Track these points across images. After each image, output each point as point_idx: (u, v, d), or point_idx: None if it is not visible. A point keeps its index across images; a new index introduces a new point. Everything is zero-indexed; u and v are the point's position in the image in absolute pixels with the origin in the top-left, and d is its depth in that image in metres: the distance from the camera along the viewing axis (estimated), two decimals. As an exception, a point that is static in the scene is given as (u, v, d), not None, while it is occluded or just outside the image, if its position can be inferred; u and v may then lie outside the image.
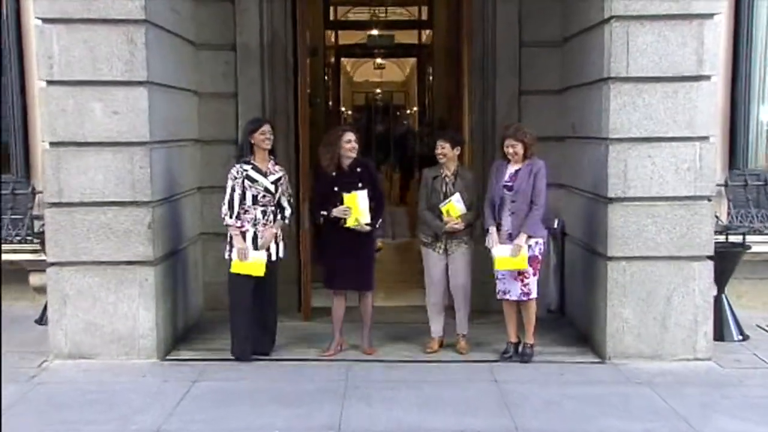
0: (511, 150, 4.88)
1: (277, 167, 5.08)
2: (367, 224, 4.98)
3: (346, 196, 4.94)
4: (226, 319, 5.63)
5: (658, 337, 4.97)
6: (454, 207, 5.06)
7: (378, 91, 25.28)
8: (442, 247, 5.15)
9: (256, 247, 4.94)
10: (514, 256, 4.80)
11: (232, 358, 5.04)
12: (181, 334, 5.52)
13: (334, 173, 4.99)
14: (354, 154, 4.99)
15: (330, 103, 12.97)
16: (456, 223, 5.05)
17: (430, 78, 12.87)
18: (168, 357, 5.13)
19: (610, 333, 4.98)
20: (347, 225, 4.96)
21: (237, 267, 4.93)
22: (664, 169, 4.91)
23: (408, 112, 23.15)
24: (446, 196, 5.11)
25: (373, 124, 18.28)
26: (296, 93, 6.15)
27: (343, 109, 19.84)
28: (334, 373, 4.79)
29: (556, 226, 5.92)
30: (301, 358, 5.10)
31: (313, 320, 6.01)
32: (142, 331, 5.00)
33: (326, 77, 12.39)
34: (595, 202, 5.23)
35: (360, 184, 4.98)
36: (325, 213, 4.98)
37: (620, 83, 4.86)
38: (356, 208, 4.95)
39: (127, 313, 4.99)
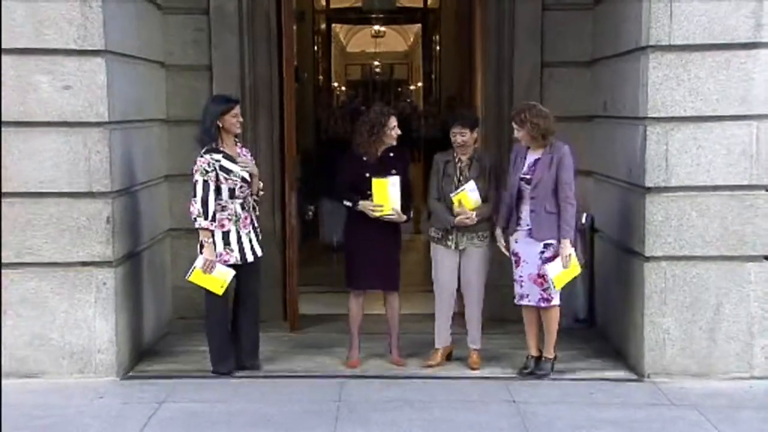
0: (515, 134, 4.88)
1: (244, 150, 5.08)
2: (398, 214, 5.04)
3: (375, 180, 4.98)
4: (199, 328, 5.57)
5: (705, 351, 4.93)
6: (468, 197, 5.00)
7: (376, 63, 25.27)
8: (454, 242, 5.09)
9: (241, 247, 4.89)
10: (567, 267, 4.80)
11: (206, 374, 5.02)
12: (145, 347, 5.49)
13: (365, 158, 5.05)
14: (395, 142, 5.09)
15: (320, 77, 12.92)
16: (467, 217, 4.99)
17: (437, 48, 12.84)
18: (130, 374, 5.09)
19: (648, 346, 4.94)
20: (379, 215, 5.00)
21: (196, 277, 4.90)
22: (713, 154, 4.85)
23: (411, 87, 23.13)
24: (460, 184, 5.06)
25: (370, 102, 18.17)
26: (280, 65, 6.09)
27: (335, 84, 19.81)
28: (325, 392, 4.75)
29: (584, 221, 5.85)
30: (286, 374, 5.07)
31: (300, 330, 5.97)
32: (99, 344, 4.94)
33: (315, 47, 12.33)
34: (630, 193, 5.17)
35: (393, 171, 5.05)
36: (350, 204, 5.04)
37: (661, 53, 4.80)
38: (386, 195, 4.98)
39: (82, 323, 4.93)
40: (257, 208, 5.08)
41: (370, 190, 5.02)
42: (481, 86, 6.27)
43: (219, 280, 4.88)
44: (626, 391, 4.82)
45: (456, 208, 5.02)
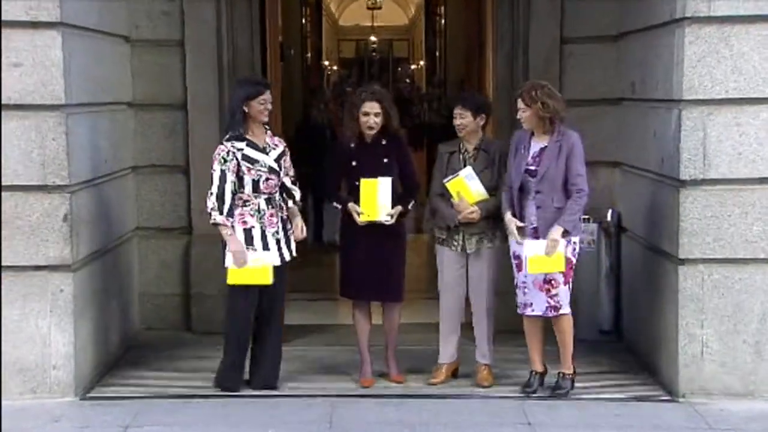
0: (519, 115, 4.85)
1: (276, 140, 5.08)
2: (388, 214, 5.02)
3: (363, 181, 4.96)
4: (169, 341, 5.59)
5: (750, 367, 4.90)
6: (466, 186, 4.97)
7: (372, 39, 25.28)
8: (460, 243, 5.07)
9: (266, 248, 4.88)
10: (549, 254, 4.72)
11: (179, 394, 4.99)
12: (109, 363, 5.46)
13: (352, 144, 5.08)
14: (372, 132, 5.07)
15: (308, 54, 12.89)
16: (472, 212, 4.94)
17: (443, 21, 12.80)
18: (91, 394, 5.06)
19: (683, 362, 4.92)
20: (360, 220, 4.99)
21: (235, 276, 4.85)
22: (758, 142, 4.82)
23: (412, 67, 23.17)
24: None
25: (365, 82, 18.17)
26: (263, 41, 6.13)
27: (326, 63, 19.83)
28: (315, 413, 4.73)
29: (609, 218, 5.88)
30: (271, 393, 5.04)
31: (287, 343, 5.88)
32: (56, 359, 4.90)
33: (303, 20, 12.30)
34: (662, 187, 5.15)
35: (386, 160, 5.03)
36: (338, 206, 5.09)
37: (699, 25, 4.77)
38: (374, 199, 4.96)
39: (35, 335, 4.88)
40: (285, 207, 5.02)
41: (359, 180, 5.00)
42: (492, 65, 6.27)
43: (260, 269, 4.81)
44: (658, 412, 4.79)
45: (455, 200, 4.98)
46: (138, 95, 6.00)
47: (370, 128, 5.02)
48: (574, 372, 4.98)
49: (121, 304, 5.70)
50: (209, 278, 5.88)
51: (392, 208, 4.99)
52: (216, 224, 4.83)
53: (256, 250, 4.86)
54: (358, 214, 4.98)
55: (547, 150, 4.79)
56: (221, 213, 4.81)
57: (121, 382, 5.23)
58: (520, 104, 4.81)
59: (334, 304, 6.57)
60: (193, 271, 6.06)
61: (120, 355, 5.64)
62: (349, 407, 4.82)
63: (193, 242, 6.08)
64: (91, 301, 5.16)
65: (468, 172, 4.97)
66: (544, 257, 4.72)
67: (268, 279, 4.83)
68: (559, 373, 4.98)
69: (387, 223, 4.99)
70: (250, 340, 5.00)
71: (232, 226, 4.84)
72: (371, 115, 5.01)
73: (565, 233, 4.74)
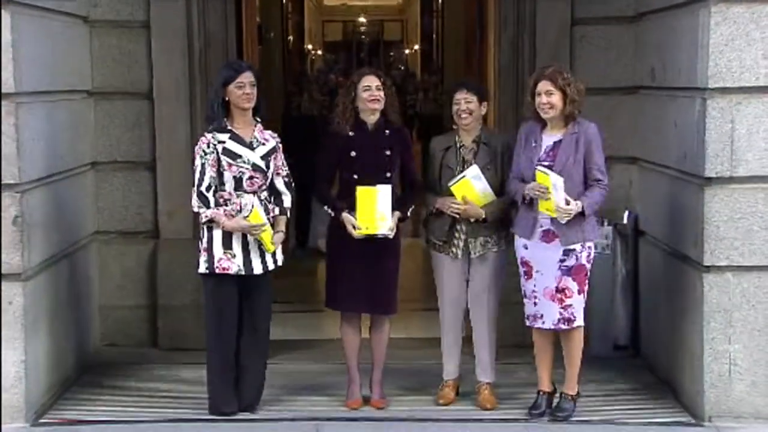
0: (545, 99, 4.77)
1: (266, 134, 5.06)
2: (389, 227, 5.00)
3: (360, 189, 4.93)
4: (133, 359, 5.58)
5: (784, 387, 4.93)
6: (472, 187, 4.95)
7: (362, 20, 25.32)
8: (461, 248, 5.08)
9: (247, 253, 4.86)
10: (562, 210, 4.62)
11: (142, 418, 4.98)
12: (65, 385, 5.45)
13: (351, 132, 5.03)
14: (377, 107, 5.04)
15: (290, 38, 12.87)
16: (466, 210, 4.93)
17: (440, 1, 12.80)
18: (44, 419, 5.03)
19: (710, 380, 4.91)
20: (357, 234, 4.95)
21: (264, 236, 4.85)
22: (793, 135, 4.86)
23: (406, 51, 23.24)
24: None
25: (353, 69, 18.19)
26: (239, 22, 6.10)
27: (309, 47, 19.86)
28: None
29: (625, 220, 5.90)
30: (248, 417, 5.02)
31: (268, 360, 5.88)
32: (4, 380, 4.85)
33: (285, -1, 12.28)
34: (685, 185, 5.16)
35: (388, 153, 5.02)
36: (331, 213, 5.08)
37: (727, 4, 4.78)
38: (372, 210, 4.92)
39: (-20, 353, 4.87)
40: (272, 209, 4.98)
41: (356, 175, 4.99)
42: (495, 50, 6.27)
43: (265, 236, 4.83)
44: (681, 438, 4.83)
45: (461, 202, 4.97)
46: (98, 83, 6.00)
47: (374, 101, 4.99)
48: (578, 393, 4.98)
49: (78, 317, 5.69)
50: (177, 288, 5.90)
51: (391, 215, 4.96)
52: (209, 222, 4.83)
53: (235, 255, 4.85)
54: (354, 227, 4.94)
55: (563, 143, 4.79)
56: (209, 207, 4.81)
57: (79, 405, 5.22)
58: (548, 86, 4.75)
59: (317, 316, 6.58)
60: (160, 280, 6.06)
61: (77, 374, 5.62)
62: (336, 431, 4.81)
63: (159, 247, 6.08)
64: (45, 315, 5.14)
65: (475, 172, 4.95)
66: (554, 204, 4.59)
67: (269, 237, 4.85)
68: (561, 393, 4.97)
69: (388, 237, 4.96)
70: (231, 364, 4.96)
71: (210, 228, 4.83)
72: (372, 88, 4.99)
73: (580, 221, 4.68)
